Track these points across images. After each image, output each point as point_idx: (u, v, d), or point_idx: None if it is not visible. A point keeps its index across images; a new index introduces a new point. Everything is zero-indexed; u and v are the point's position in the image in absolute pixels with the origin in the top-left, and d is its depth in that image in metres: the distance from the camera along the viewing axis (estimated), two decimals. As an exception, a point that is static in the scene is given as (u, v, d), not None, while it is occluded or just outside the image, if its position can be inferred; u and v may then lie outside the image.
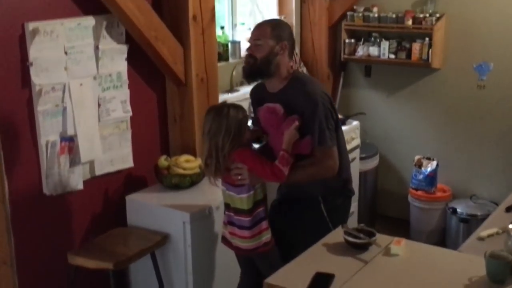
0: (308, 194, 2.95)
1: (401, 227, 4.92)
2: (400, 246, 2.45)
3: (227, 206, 2.95)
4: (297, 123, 2.76)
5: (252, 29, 2.97)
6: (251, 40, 2.89)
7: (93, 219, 3.45)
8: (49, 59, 3.02)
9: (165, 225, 3.29)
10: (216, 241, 3.28)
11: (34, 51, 2.96)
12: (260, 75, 2.89)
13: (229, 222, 2.94)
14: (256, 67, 2.85)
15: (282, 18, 4.74)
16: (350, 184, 3.08)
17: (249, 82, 3.02)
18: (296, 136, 2.77)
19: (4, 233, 3.01)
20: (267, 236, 2.89)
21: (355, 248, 2.50)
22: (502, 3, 4.40)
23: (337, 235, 2.62)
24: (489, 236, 2.71)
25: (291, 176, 2.79)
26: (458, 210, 4.57)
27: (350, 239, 2.52)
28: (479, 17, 4.50)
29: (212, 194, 3.33)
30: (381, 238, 2.55)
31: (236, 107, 2.82)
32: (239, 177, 2.80)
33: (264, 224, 2.88)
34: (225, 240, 3.02)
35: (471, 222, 4.43)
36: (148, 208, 3.37)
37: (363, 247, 2.50)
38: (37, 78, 2.99)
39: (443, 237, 4.75)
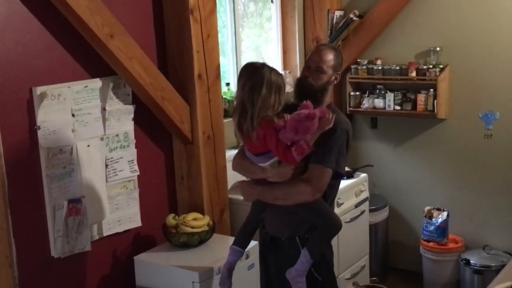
0: (286, 235, 2.87)
1: (414, 280, 4.85)
2: (412, 303, 2.41)
3: None
4: (331, 115, 2.64)
5: (314, 51, 2.94)
6: (312, 64, 2.86)
7: (101, 281, 3.41)
8: (56, 122, 3.06)
9: (174, 285, 3.25)
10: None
11: (42, 115, 2.99)
12: (312, 99, 2.77)
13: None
14: (312, 92, 2.82)
15: (287, 73, 4.81)
16: None
17: (298, 99, 2.90)
18: (322, 130, 2.64)
19: (12, 298, 2.98)
20: None
21: (367, 306, 2.46)
22: (505, 52, 4.43)
23: (348, 293, 2.58)
24: (504, 290, 2.65)
25: (270, 189, 2.74)
26: (472, 261, 4.49)
27: (362, 297, 2.48)
28: (483, 67, 4.53)
29: (220, 252, 3.30)
30: (393, 295, 2.50)
31: (277, 71, 2.70)
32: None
33: None
34: None
35: (485, 274, 4.36)
36: (156, 268, 3.34)
37: (375, 305, 2.46)
38: (45, 141, 3.02)
39: (457, 289, 4.67)
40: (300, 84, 2.90)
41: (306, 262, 2.73)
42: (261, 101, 2.62)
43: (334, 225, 2.82)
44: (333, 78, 2.89)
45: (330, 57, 2.86)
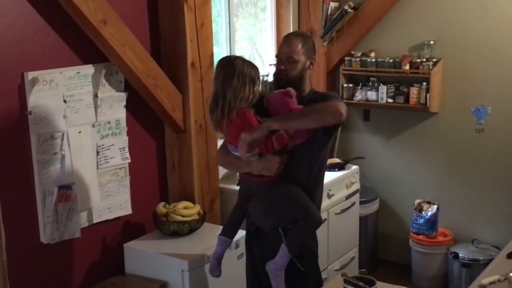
0: (270, 225, 2.88)
1: (403, 272, 4.87)
2: (400, 295, 2.42)
3: None
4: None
5: (282, 42, 2.94)
6: (282, 55, 2.86)
7: (90, 268, 3.41)
8: (48, 107, 3.04)
9: (163, 273, 3.26)
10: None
11: (33, 100, 2.97)
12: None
13: None
14: (290, 83, 2.82)
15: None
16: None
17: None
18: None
19: (1, 282, 2.97)
20: None
21: (355, 297, 2.47)
22: (498, 47, 4.44)
23: (336, 283, 2.58)
24: (491, 283, 2.67)
25: (292, 116, 2.71)
26: (460, 254, 4.52)
27: (350, 287, 2.48)
28: (476, 61, 4.55)
29: (211, 241, 3.30)
30: (382, 286, 2.52)
31: (251, 64, 2.74)
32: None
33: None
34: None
35: (473, 267, 4.40)
36: (146, 256, 3.34)
37: (363, 296, 2.47)
38: (36, 127, 3.00)
39: (445, 282, 4.69)
40: (278, 78, 2.90)
41: (285, 256, 2.75)
42: (232, 92, 2.65)
43: (314, 220, 2.83)
44: (308, 63, 2.89)
45: (298, 44, 2.86)
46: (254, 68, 2.74)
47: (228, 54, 2.83)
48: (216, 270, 3.03)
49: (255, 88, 2.70)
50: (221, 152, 2.95)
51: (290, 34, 3.01)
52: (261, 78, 2.84)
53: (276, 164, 2.71)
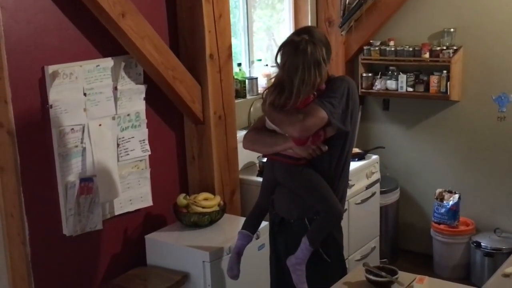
0: (295, 216, 2.87)
1: (424, 262, 4.84)
2: (422, 284, 2.40)
3: None
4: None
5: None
6: None
7: (112, 259, 3.44)
8: (68, 101, 3.06)
9: (184, 265, 3.28)
10: (236, 280, 3.25)
11: (54, 94, 3.00)
12: None
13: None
14: None
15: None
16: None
17: None
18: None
19: (25, 274, 3.01)
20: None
21: (377, 287, 2.46)
22: (519, 34, 4.39)
23: (358, 274, 2.58)
24: (515, 272, 2.64)
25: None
26: (482, 244, 4.49)
27: (372, 277, 2.48)
28: (497, 48, 4.48)
29: (231, 232, 3.31)
30: (403, 276, 2.50)
31: (317, 42, 2.68)
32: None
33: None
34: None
35: (496, 256, 4.36)
36: (167, 248, 3.36)
37: (385, 286, 2.46)
38: (57, 120, 3.03)
39: (467, 272, 4.66)
40: None
41: (306, 250, 2.74)
42: (300, 81, 2.63)
43: (334, 213, 2.82)
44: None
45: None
46: (320, 45, 2.68)
47: (291, 35, 2.78)
48: (235, 269, 3.00)
49: (321, 70, 2.67)
50: (252, 134, 2.93)
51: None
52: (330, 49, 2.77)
53: (313, 145, 2.72)
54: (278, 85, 2.72)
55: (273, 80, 2.82)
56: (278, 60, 2.74)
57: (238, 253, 3.01)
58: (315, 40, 2.68)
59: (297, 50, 2.65)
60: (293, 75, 2.65)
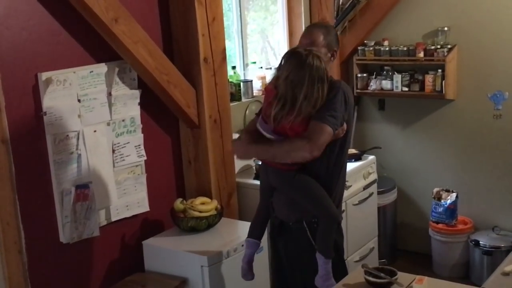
0: (293, 219, 2.86)
1: (423, 261, 4.84)
2: (422, 284, 2.39)
3: None
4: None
5: (302, 34, 2.89)
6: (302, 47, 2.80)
7: (110, 265, 3.42)
8: (62, 107, 3.05)
9: (183, 269, 3.26)
10: (234, 284, 3.24)
11: (48, 101, 2.98)
12: None
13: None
14: None
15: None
16: (338, 208, 2.95)
17: None
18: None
19: (22, 283, 2.99)
20: None
21: (376, 288, 2.45)
22: (513, 32, 4.39)
23: (358, 275, 2.57)
24: (514, 270, 2.64)
25: (268, 147, 2.71)
26: (481, 242, 4.48)
27: (371, 279, 2.47)
28: (491, 46, 4.49)
29: (229, 236, 3.30)
30: (403, 277, 2.49)
31: (319, 58, 2.65)
32: None
33: None
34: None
35: (495, 254, 4.35)
36: (165, 253, 3.34)
37: (385, 287, 2.45)
38: (51, 127, 3.01)
39: (467, 271, 4.65)
40: None
41: (325, 264, 2.74)
42: (304, 97, 2.60)
43: (330, 217, 2.81)
44: (329, 55, 2.84)
45: (320, 36, 2.82)
46: (322, 61, 2.66)
47: (293, 48, 2.75)
48: (249, 275, 3.03)
49: (324, 87, 2.64)
50: (245, 143, 2.84)
51: (311, 25, 2.98)
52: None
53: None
54: (281, 98, 2.65)
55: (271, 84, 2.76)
56: (281, 70, 2.67)
57: (248, 262, 3.02)
58: (318, 54, 2.65)
59: (303, 64, 2.61)
60: (296, 89, 2.61)
